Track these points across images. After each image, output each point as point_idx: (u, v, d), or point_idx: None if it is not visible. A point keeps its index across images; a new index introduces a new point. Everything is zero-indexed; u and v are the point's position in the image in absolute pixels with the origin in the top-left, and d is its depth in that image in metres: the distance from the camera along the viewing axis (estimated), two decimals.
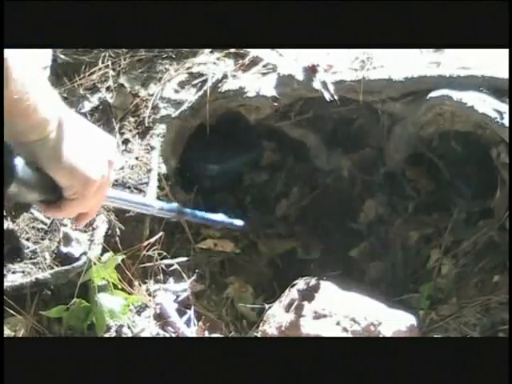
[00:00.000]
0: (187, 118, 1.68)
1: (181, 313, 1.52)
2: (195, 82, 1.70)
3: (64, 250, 1.46)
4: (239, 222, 1.71)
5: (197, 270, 1.62)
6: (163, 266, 1.59)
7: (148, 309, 1.51)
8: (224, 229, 1.74)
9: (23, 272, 1.46)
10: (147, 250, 1.57)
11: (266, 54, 1.68)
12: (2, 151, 0.79)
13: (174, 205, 1.51)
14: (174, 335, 1.47)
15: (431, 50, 1.59)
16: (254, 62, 1.71)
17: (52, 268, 1.45)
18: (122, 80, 1.75)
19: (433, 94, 1.50)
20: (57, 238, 1.50)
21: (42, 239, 1.52)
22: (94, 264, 1.42)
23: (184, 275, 1.59)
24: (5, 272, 1.44)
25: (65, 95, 1.78)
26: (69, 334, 1.42)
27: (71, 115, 0.88)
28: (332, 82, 1.57)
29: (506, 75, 1.45)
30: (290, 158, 1.84)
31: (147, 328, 1.44)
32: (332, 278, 1.44)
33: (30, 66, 0.78)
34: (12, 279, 1.44)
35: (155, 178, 1.61)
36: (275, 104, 1.63)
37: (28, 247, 1.49)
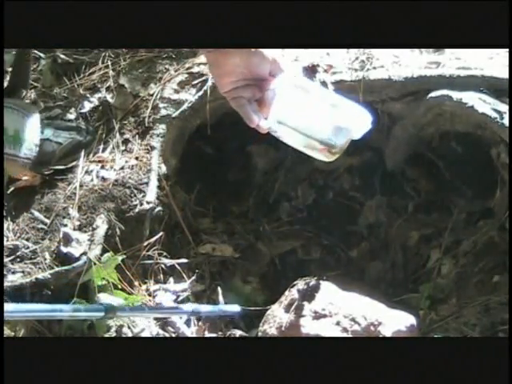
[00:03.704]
0: (187, 118, 1.68)
1: None
2: (195, 82, 1.70)
3: (64, 249, 1.46)
4: (233, 308, 1.46)
5: (197, 270, 1.63)
6: (163, 266, 1.59)
7: None
8: (223, 234, 1.74)
9: (23, 272, 1.46)
10: (147, 250, 1.57)
11: None
12: (2, 150, 0.79)
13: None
14: (173, 335, 1.47)
15: (431, 50, 1.59)
16: None
17: (52, 268, 1.45)
18: (122, 80, 1.75)
19: (433, 94, 1.50)
20: (57, 238, 1.50)
21: (42, 239, 1.52)
22: (94, 264, 1.43)
23: (184, 275, 1.60)
24: (5, 272, 1.44)
25: (65, 95, 1.78)
26: (69, 334, 1.42)
27: None
28: (332, 81, 1.57)
29: (506, 75, 1.45)
30: (289, 158, 1.84)
31: (147, 328, 1.44)
32: (332, 278, 1.44)
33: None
34: (12, 279, 1.44)
35: (155, 178, 1.61)
36: None
37: (28, 247, 1.49)
